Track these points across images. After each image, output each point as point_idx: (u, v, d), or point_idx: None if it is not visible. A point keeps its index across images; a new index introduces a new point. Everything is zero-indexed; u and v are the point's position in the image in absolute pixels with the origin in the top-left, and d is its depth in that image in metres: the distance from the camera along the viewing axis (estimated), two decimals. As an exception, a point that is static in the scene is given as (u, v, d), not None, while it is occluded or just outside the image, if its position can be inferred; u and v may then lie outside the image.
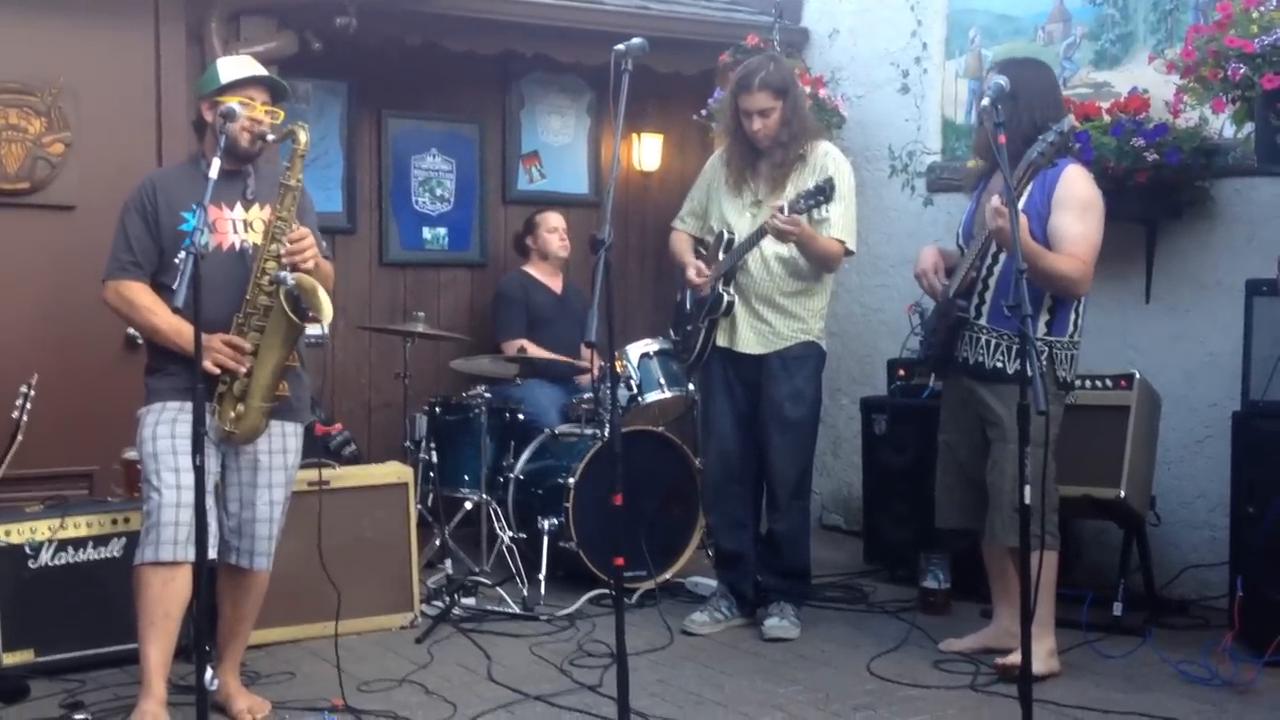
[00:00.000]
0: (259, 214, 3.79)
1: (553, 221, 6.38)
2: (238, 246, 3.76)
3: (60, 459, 4.86)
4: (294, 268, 3.64)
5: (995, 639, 4.47)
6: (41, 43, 4.94)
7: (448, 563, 5.31)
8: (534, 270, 6.38)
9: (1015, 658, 3.93)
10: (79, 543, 4.32)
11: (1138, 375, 4.83)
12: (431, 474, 5.49)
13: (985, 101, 3.76)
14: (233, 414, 3.66)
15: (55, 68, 4.95)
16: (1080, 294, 4.19)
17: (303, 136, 3.71)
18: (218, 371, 3.61)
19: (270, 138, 3.73)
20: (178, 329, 3.65)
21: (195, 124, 3.92)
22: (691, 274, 4.86)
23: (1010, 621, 4.30)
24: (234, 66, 3.84)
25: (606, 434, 5.21)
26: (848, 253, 4.79)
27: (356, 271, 6.55)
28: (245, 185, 3.80)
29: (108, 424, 4.73)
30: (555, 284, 6.39)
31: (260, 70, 3.86)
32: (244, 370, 3.64)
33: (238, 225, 3.78)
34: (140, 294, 3.74)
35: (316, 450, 5.05)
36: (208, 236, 3.49)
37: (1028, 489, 3.43)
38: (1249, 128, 4.47)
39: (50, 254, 4.95)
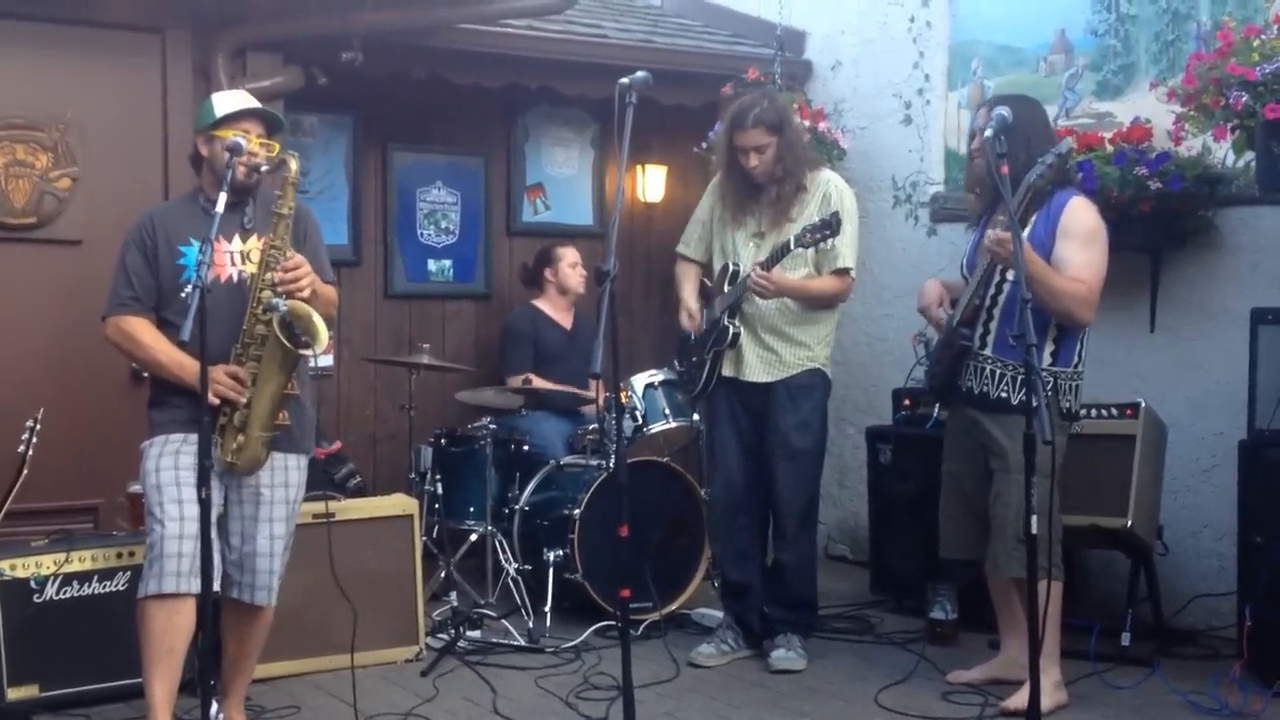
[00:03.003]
0: (256, 244, 3.80)
1: (572, 256, 6.38)
2: (235, 278, 3.77)
3: (65, 493, 4.87)
4: (288, 295, 3.65)
5: (1003, 670, 4.45)
6: (48, 78, 4.98)
7: (453, 595, 5.30)
8: (545, 305, 6.37)
9: (1019, 700, 3.92)
10: (84, 577, 4.31)
11: (1143, 404, 4.83)
12: (436, 506, 5.49)
13: (988, 133, 3.78)
14: (234, 445, 3.67)
15: (62, 103, 4.98)
16: (1086, 322, 4.19)
17: (293, 165, 3.73)
18: (218, 402, 3.61)
19: (264, 169, 3.75)
20: (179, 362, 3.66)
21: (192, 159, 3.94)
22: (684, 318, 4.92)
23: (1018, 652, 4.28)
24: (229, 100, 3.87)
25: (612, 465, 5.20)
26: (850, 277, 4.80)
27: (362, 304, 6.57)
28: (243, 217, 3.82)
29: (113, 458, 4.74)
30: (566, 320, 6.39)
31: (254, 103, 3.89)
32: (244, 400, 3.65)
33: (235, 257, 3.79)
34: (140, 329, 3.75)
35: (320, 481, 5.06)
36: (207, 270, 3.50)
37: (1034, 519, 3.43)
38: (1249, 156, 4.48)
39: (57, 288, 4.97)
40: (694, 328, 4.89)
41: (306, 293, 3.68)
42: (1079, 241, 4.14)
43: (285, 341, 3.60)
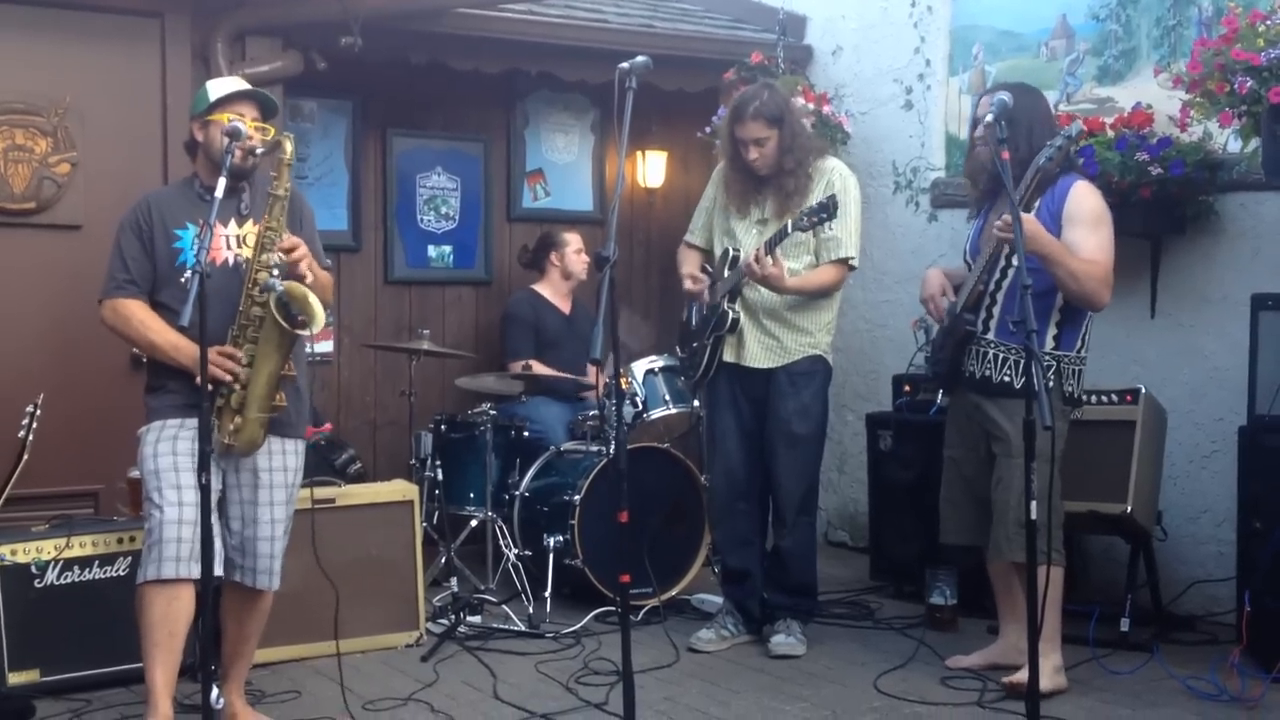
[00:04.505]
0: (252, 229, 3.80)
1: (577, 242, 6.37)
2: (231, 262, 3.77)
3: (66, 478, 4.87)
4: (285, 275, 3.65)
5: (1002, 655, 4.45)
6: (48, 63, 4.96)
7: (453, 580, 5.31)
8: (545, 290, 6.36)
9: (1022, 676, 3.92)
10: (84, 562, 4.32)
11: (1143, 390, 4.83)
12: (437, 491, 5.49)
13: (989, 118, 3.77)
14: (231, 426, 3.67)
15: (62, 88, 4.97)
16: (1102, 303, 4.17)
17: (288, 146, 3.73)
18: (210, 386, 3.60)
19: (259, 151, 3.75)
20: (175, 344, 3.67)
21: (187, 145, 3.94)
22: (688, 282, 4.88)
23: (1017, 637, 4.29)
24: (222, 85, 3.88)
25: (612, 451, 5.20)
26: (850, 267, 4.80)
27: (362, 289, 6.57)
28: (239, 201, 3.82)
29: (113, 443, 4.73)
30: (565, 305, 6.38)
31: (247, 87, 3.89)
32: (237, 381, 3.64)
33: (231, 241, 3.79)
34: (137, 311, 3.75)
35: (320, 467, 5.07)
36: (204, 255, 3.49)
37: (1033, 504, 3.43)
38: (1255, 142, 4.47)
39: (56, 273, 4.96)
40: (699, 290, 4.86)
41: (309, 277, 3.69)
42: (1087, 225, 4.13)
43: (282, 322, 3.60)
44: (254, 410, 3.67)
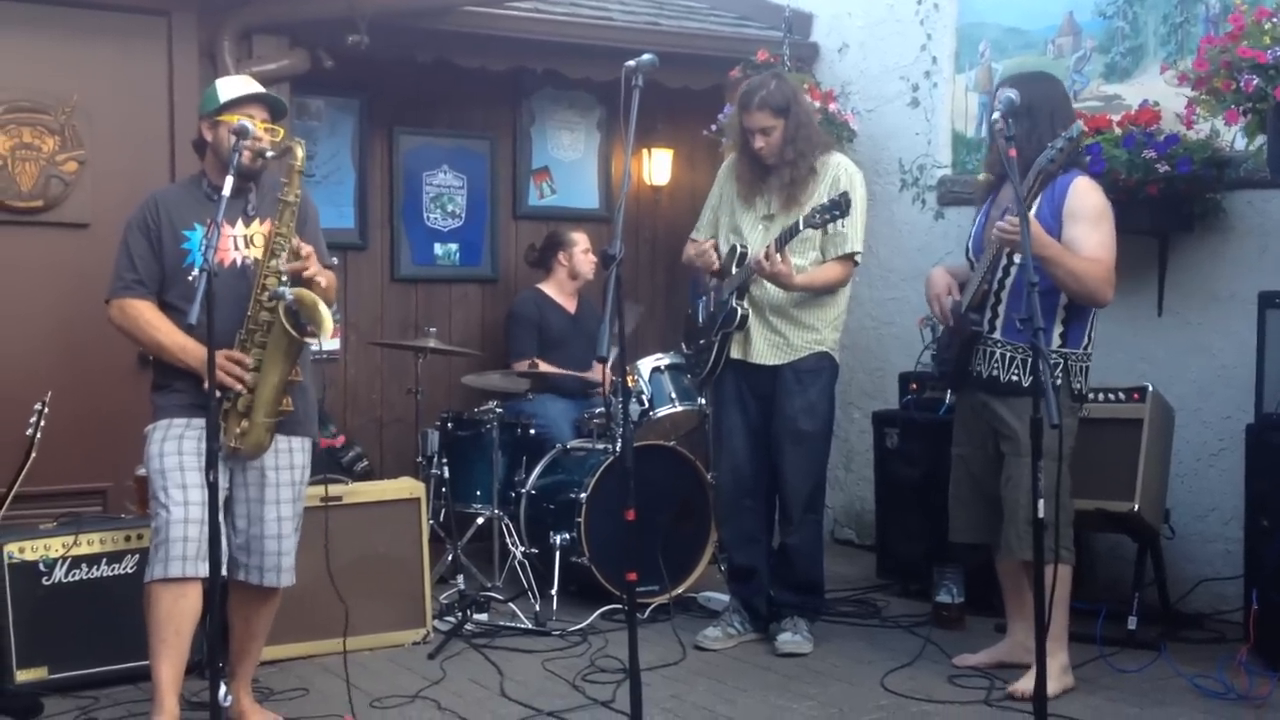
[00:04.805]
0: (259, 229, 3.80)
1: (585, 242, 6.37)
2: (239, 263, 3.77)
3: (74, 476, 4.88)
4: (295, 280, 3.65)
5: (1009, 654, 4.45)
6: (55, 62, 4.97)
7: (460, 578, 5.31)
8: (550, 289, 6.36)
9: (1026, 685, 3.92)
10: (92, 560, 4.33)
11: (1151, 388, 4.82)
12: (443, 489, 5.50)
13: (996, 115, 3.76)
14: (238, 430, 3.67)
15: (69, 86, 4.98)
16: (1105, 300, 4.16)
17: (299, 152, 3.73)
18: (219, 393, 3.61)
19: (270, 154, 3.75)
20: (182, 345, 3.67)
21: (195, 144, 3.94)
22: (691, 249, 4.89)
23: (1024, 636, 4.28)
24: (233, 85, 3.87)
25: (618, 449, 5.20)
26: (855, 262, 4.80)
27: (368, 287, 6.58)
28: (246, 201, 3.82)
29: (121, 441, 4.74)
30: (570, 304, 6.38)
31: (258, 88, 3.89)
32: (244, 388, 3.65)
33: (239, 241, 3.79)
34: (144, 311, 3.76)
35: (327, 465, 5.07)
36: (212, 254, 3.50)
37: (1041, 502, 3.43)
38: (1261, 139, 4.46)
39: (64, 272, 4.97)
40: (709, 255, 4.85)
41: (322, 280, 3.69)
42: (1089, 221, 4.12)
43: (291, 330, 3.60)
44: (260, 415, 3.67)
